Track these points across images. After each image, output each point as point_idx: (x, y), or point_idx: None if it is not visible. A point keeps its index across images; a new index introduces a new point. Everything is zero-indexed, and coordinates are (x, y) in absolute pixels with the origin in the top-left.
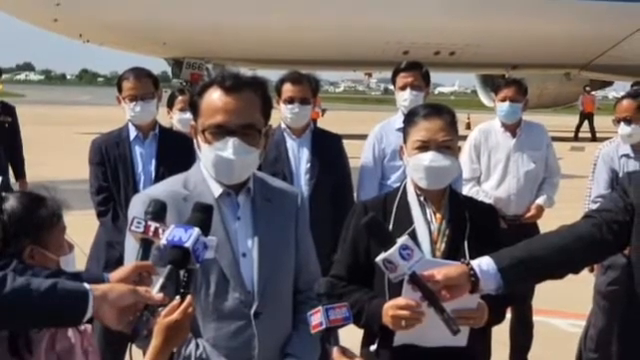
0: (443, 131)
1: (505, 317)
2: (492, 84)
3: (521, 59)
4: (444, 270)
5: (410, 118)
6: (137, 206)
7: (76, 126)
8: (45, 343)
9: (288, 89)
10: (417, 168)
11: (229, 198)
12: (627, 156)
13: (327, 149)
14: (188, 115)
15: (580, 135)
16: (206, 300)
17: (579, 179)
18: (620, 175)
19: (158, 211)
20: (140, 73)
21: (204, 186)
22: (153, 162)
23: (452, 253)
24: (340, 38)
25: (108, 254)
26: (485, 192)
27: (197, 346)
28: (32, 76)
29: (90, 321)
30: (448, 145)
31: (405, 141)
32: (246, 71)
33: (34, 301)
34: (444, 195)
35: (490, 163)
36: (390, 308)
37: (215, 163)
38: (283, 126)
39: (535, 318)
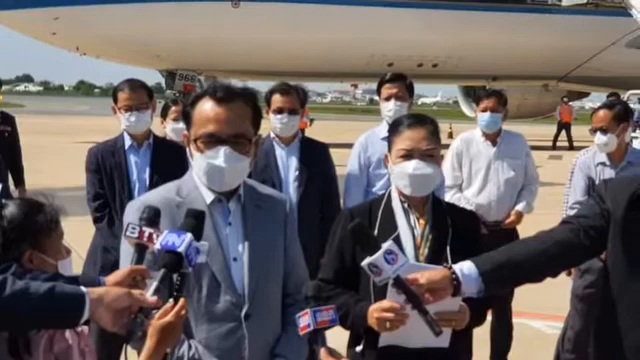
0: (426, 140)
1: (486, 319)
2: (473, 95)
3: (501, 71)
4: (427, 274)
5: (394, 128)
6: (132, 212)
7: (73, 135)
8: (43, 344)
9: (277, 100)
10: (401, 176)
11: (220, 205)
12: (603, 164)
13: (315, 157)
14: (181, 125)
15: (558, 144)
16: (198, 303)
17: (557, 186)
18: (596, 182)
19: (152, 217)
20: (135, 84)
21: (196, 193)
22: (147, 170)
23: (435, 257)
24: (327, 51)
25: (104, 258)
26: (467, 199)
27: (190, 347)
28: (31, 87)
29: (87, 323)
30: (431, 154)
31: (390, 150)
32: (237, 82)
33: (33, 303)
34: (427, 202)
35: (471, 171)
36: (375, 310)
37: (207, 171)
38: (272, 135)
39: (515, 320)
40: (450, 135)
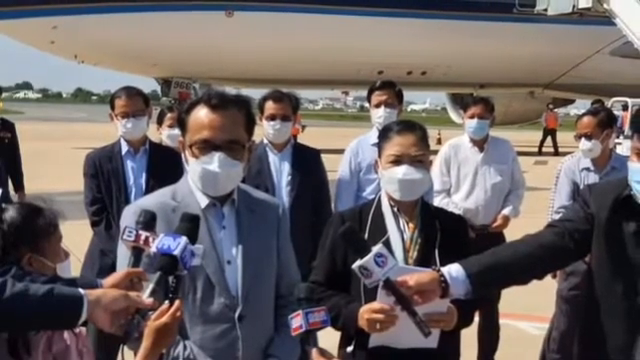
0: (415, 146)
1: (474, 320)
2: (461, 102)
3: (488, 79)
4: (416, 276)
5: (384, 134)
6: (129, 216)
7: (71, 141)
8: (42, 345)
9: (270, 107)
10: (391, 181)
11: (215, 209)
12: (587, 169)
13: (307, 163)
14: (176, 131)
15: (543, 150)
16: (193, 304)
17: (543, 191)
18: (581, 187)
19: (148, 221)
20: (131, 92)
21: (191, 197)
22: (144, 175)
23: (424, 260)
24: (319, 59)
25: (102, 261)
26: (455, 203)
27: (185, 347)
28: (30, 94)
29: (85, 324)
30: (420, 159)
31: (380, 155)
32: (230, 90)
33: (32, 305)
34: (416, 206)
35: (459, 176)
36: (365, 312)
37: (202, 176)
38: (265, 141)
39: (502, 321)
40: (439, 141)
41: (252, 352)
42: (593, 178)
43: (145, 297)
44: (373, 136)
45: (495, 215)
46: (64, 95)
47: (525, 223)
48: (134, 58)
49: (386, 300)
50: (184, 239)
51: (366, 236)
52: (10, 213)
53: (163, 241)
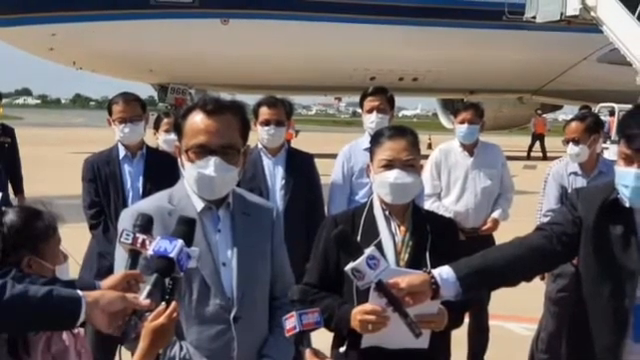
0: (406, 151)
1: (464, 321)
2: (452, 108)
3: (478, 85)
4: (407, 278)
5: (376, 139)
6: (126, 220)
7: (70, 146)
8: (41, 345)
9: (264, 112)
10: (383, 185)
11: (210, 212)
12: (575, 174)
13: (300, 167)
14: (173, 136)
15: (532, 154)
16: (189, 306)
17: (531, 195)
18: (569, 191)
19: (145, 224)
20: (129, 97)
21: (187, 201)
22: (141, 179)
23: (415, 263)
24: (312, 66)
25: (99, 264)
26: (445, 207)
27: (181, 348)
28: (30, 100)
29: (83, 325)
30: (411, 163)
31: (372, 160)
32: (226, 96)
33: (31, 306)
34: (408, 209)
35: (450, 180)
36: (358, 313)
37: (197, 180)
38: (260, 146)
39: (491, 322)
40: (429, 146)
41: (247, 352)
42: (581, 182)
43: (142, 298)
44: (365, 141)
45: (485, 218)
46: (63, 101)
47: (514, 226)
48: (131, 65)
49: (378, 302)
50: (180, 242)
51: (358, 239)
52: (10, 216)
53: (160, 244)
